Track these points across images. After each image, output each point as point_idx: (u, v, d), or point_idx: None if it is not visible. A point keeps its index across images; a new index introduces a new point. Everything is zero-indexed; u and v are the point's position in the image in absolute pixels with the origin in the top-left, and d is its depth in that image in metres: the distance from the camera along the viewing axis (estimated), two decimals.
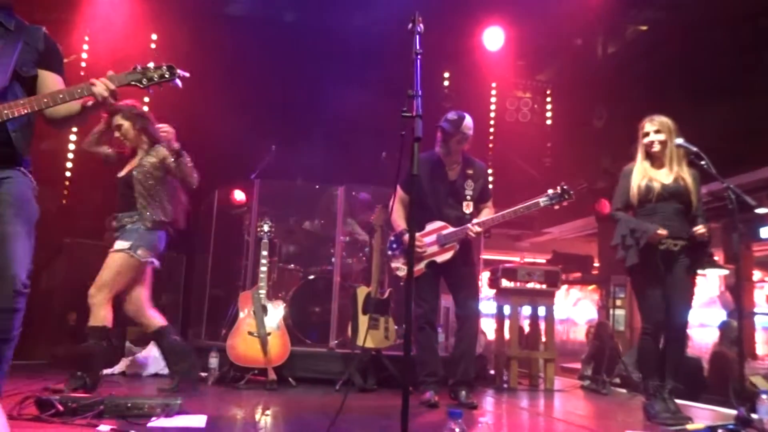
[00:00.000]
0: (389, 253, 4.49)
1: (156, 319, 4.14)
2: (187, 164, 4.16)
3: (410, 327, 2.58)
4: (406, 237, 3.85)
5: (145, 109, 4.53)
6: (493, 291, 5.84)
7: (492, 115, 8.74)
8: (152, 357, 5.18)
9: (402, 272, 4.29)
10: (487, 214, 4.28)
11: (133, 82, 2.44)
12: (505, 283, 5.57)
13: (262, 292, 4.82)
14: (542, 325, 5.66)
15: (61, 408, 2.91)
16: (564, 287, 10.91)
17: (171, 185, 4.24)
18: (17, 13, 2.52)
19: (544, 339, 5.66)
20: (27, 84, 2.46)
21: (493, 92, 8.80)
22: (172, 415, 3.06)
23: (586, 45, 9.42)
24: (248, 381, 4.61)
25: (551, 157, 9.08)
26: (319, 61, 7.27)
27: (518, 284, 5.55)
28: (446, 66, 8.47)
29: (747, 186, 6.34)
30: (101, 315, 3.89)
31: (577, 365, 6.70)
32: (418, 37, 2.77)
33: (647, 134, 3.95)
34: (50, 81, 2.50)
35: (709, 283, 9.59)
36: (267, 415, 3.56)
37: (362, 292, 4.96)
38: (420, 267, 4.16)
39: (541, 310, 5.64)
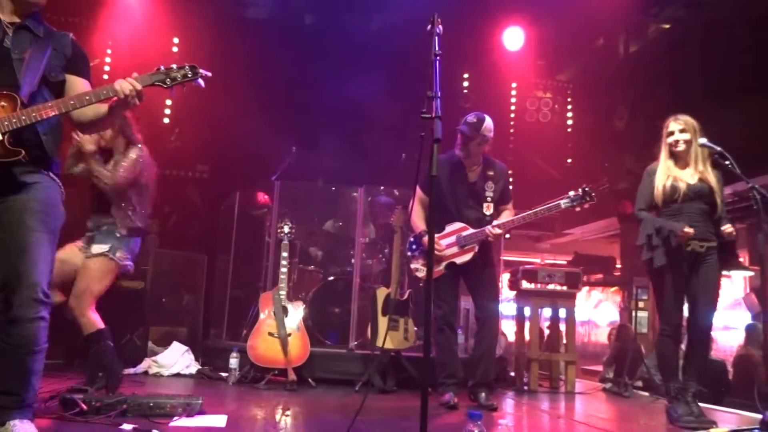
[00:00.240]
0: (409, 254, 4.49)
1: (96, 322, 3.80)
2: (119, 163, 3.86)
3: (429, 328, 2.58)
4: (426, 238, 3.85)
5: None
6: (513, 292, 5.81)
7: (512, 115, 8.69)
8: (174, 357, 5.24)
9: (421, 273, 4.28)
10: (507, 215, 4.26)
11: (157, 83, 2.47)
12: (525, 284, 5.53)
13: (283, 293, 4.85)
14: (563, 327, 5.62)
15: (84, 407, 2.96)
16: (585, 289, 10.80)
17: (144, 188, 3.97)
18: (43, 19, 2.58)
19: (564, 341, 5.62)
20: (55, 89, 2.51)
21: (513, 92, 8.75)
22: (194, 415, 3.10)
23: (607, 44, 9.32)
24: (268, 381, 4.64)
25: (572, 157, 9.00)
26: (339, 62, 7.29)
27: (538, 286, 5.52)
28: (466, 66, 8.44)
29: None
30: (91, 321, 3.70)
31: (599, 368, 6.63)
32: (437, 38, 2.77)
33: (672, 133, 3.90)
34: (78, 85, 2.55)
35: (734, 284, 9.44)
36: (287, 415, 3.58)
37: (382, 293, 4.96)
38: (439, 268, 4.16)
39: (562, 312, 5.60)
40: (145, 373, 5.08)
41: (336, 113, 7.26)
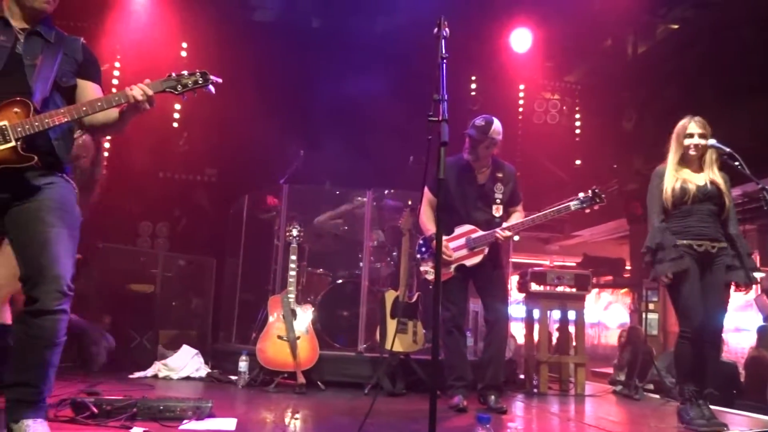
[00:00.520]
0: (418, 256, 4.49)
1: (4, 316, 3.55)
2: None
3: (438, 331, 2.58)
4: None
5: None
6: (522, 295, 5.80)
7: (520, 117, 8.67)
8: (184, 360, 5.25)
9: (431, 276, 4.28)
10: (517, 217, 4.26)
11: (168, 89, 2.49)
12: (534, 286, 5.51)
13: (292, 296, 4.86)
14: (572, 329, 5.60)
15: (95, 410, 2.97)
16: (595, 291, 10.76)
17: (84, 172, 3.85)
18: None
19: (574, 343, 5.60)
20: (67, 94, 2.53)
21: (521, 94, 8.74)
22: (203, 418, 3.10)
23: (615, 45, 9.29)
24: (278, 384, 4.65)
25: (580, 159, 8.97)
26: (346, 65, 7.31)
27: (547, 288, 5.50)
28: (473, 69, 8.44)
29: None
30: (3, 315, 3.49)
31: (609, 370, 6.60)
32: (443, 41, 2.78)
33: (691, 135, 3.86)
34: (89, 90, 2.57)
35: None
36: (296, 418, 3.59)
37: (390, 296, 4.96)
38: (449, 271, 4.15)
39: (571, 314, 5.57)
40: (155, 376, 5.09)
41: (343, 116, 7.28)
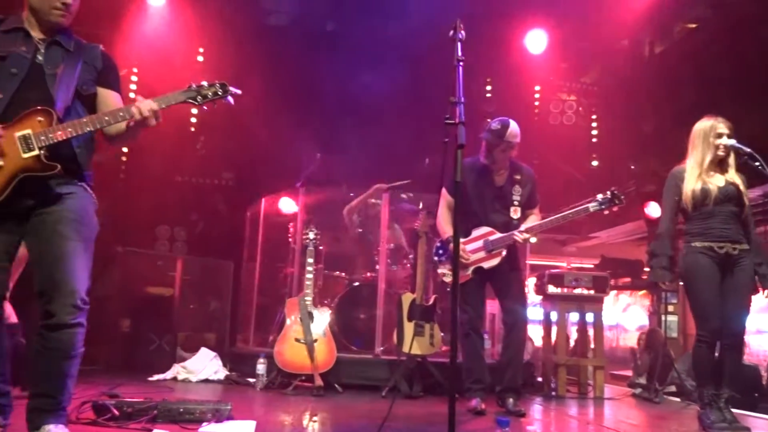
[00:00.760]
0: (435, 258, 4.49)
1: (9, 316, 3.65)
2: None
3: (456, 333, 2.58)
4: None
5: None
6: (539, 297, 5.77)
7: (535, 119, 8.63)
8: (202, 363, 5.29)
9: (448, 278, 4.28)
10: (534, 220, 4.24)
11: (188, 100, 2.52)
12: (551, 289, 5.48)
13: (309, 299, 4.88)
14: (591, 332, 5.56)
15: (116, 412, 3.01)
16: (613, 293, 10.66)
17: None
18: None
19: (592, 346, 5.55)
20: (87, 102, 2.56)
21: (537, 96, 8.70)
22: (223, 421, 3.12)
23: (632, 45, 9.22)
24: (295, 387, 4.67)
25: (597, 160, 8.91)
26: (361, 68, 7.32)
27: (565, 290, 5.47)
28: (488, 70, 8.42)
29: None
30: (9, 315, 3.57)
31: (628, 373, 6.53)
32: (459, 44, 2.77)
33: (721, 135, 3.81)
34: (109, 98, 2.60)
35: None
36: (315, 421, 3.60)
37: (407, 298, 4.96)
38: (467, 273, 4.14)
39: (589, 317, 5.53)
40: (174, 378, 5.14)
41: (358, 118, 7.29)
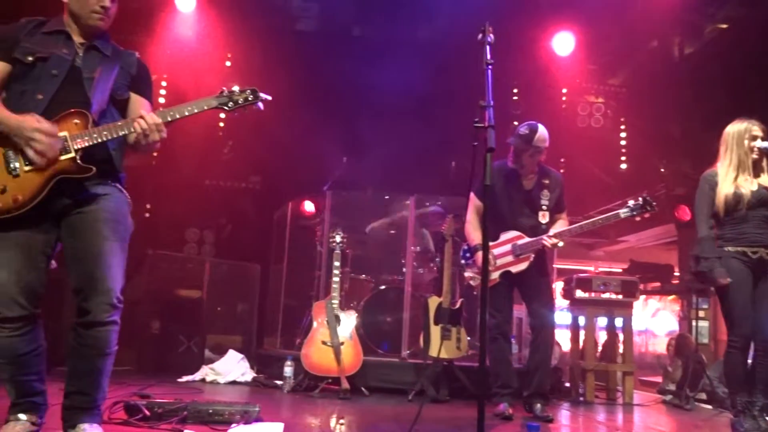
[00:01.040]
0: (462, 262, 4.48)
1: None
2: None
3: (484, 337, 2.57)
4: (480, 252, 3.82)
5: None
6: (567, 301, 5.71)
7: (563, 121, 8.56)
8: (230, 365, 5.34)
9: (475, 282, 4.26)
10: (562, 224, 4.21)
11: (220, 105, 2.54)
12: (579, 293, 5.43)
13: (335, 302, 4.90)
14: (620, 337, 5.49)
15: (148, 413, 3.06)
16: (642, 297, 10.52)
17: None
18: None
19: (621, 351, 5.49)
20: (120, 106, 2.61)
21: (564, 98, 8.63)
22: (251, 422, 3.15)
23: (661, 46, 9.09)
24: (322, 390, 4.69)
25: (626, 163, 8.81)
26: (387, 73, 7.33)
27: (593, 295, 5.41)
28: (515, 72, 8.38)
29: None
30: None
31: (657, 379, 6.43)
32: (488, 47, 2.77)
33: (756, 137, 3.75)
34: (137, 104, 2.63)
35: None
36: (342, 423, 3.61)
37: (434, 302, 4.95)
38: (494, 277, 4.12)
39: (618, 322, 5.47)
40: (203, 380, 5.20)
41: (385, 122, 7.30)
